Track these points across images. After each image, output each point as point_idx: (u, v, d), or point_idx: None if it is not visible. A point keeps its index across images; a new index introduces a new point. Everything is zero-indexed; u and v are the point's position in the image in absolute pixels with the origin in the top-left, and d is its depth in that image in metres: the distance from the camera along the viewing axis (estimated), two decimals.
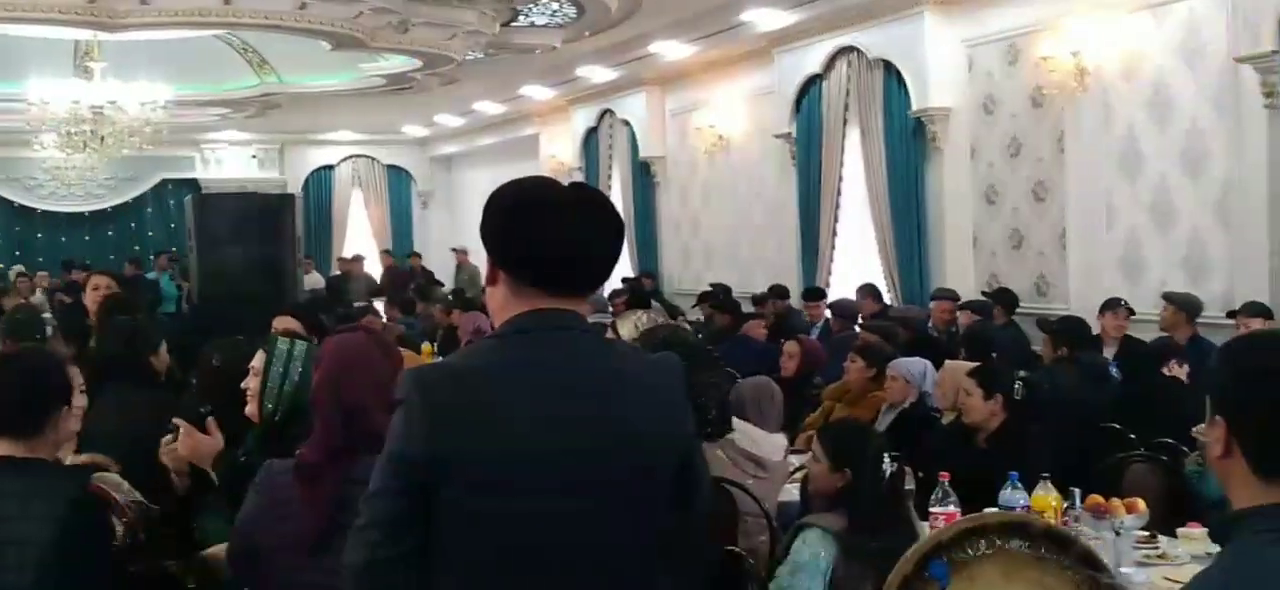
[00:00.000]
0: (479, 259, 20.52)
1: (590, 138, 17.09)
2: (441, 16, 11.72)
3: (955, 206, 10.74)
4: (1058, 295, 9.70)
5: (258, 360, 3.41)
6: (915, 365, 6.84)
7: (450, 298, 13.87)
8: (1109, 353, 7.81)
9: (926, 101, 10.66)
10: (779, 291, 11.80)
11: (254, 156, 22.54)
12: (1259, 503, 1.83)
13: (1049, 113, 9.71)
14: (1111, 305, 8.23)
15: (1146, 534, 4.41)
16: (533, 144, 19.18)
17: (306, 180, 22.75)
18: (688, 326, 12.02)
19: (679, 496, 2.31)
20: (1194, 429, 5.61)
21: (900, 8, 10.73)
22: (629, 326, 7.67)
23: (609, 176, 16.40)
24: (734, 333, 10.15)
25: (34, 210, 21.22)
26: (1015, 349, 7.97)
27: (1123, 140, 9.05)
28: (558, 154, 18.02)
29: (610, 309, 11.26)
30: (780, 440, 5.30)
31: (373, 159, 23.36)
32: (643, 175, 15.86)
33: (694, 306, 12.67)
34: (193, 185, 20.92)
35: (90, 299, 7.23)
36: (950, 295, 9.93)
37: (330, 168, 23.08)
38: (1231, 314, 7.54)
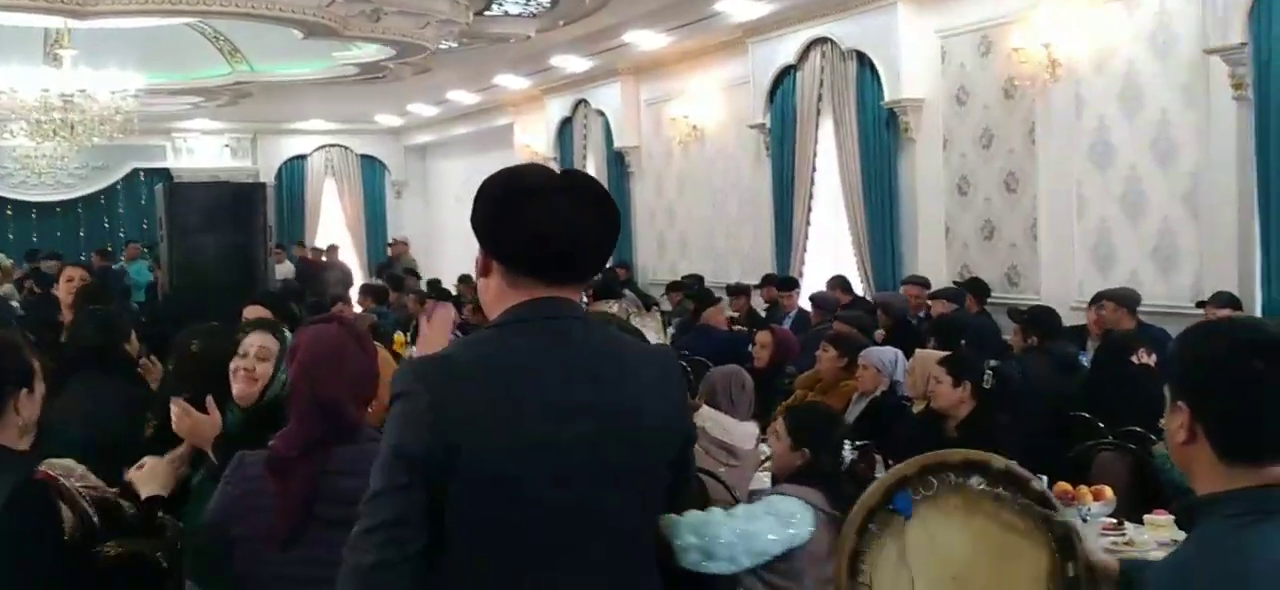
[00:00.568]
0: (420, 251, 20.56)
1: (565, 128, 17.08)
2: (414, 5, 11.67)
3: (927, 197, 10.79)
4: (1029, 285, 9.76)
5: (271, 349, 3.36)
6: (886, 354, 6.89)
7: (425, 288, 13.83)
8: (1092, 347, 7.83)
9: (899, 92, 10.70)
10: (766, 281, 11.80)
11: (226, 146, 22.43)
12: (1227, 487, 1.85)
13: (1021, 104, 9.75)
14: (1095, 301, 8.26)
15: (1114, 521, 4.46)
16: (507, 134, 19.14)
17: (279, 170, 22.64)
18: (660, 317, 12.05)
19: (673, 486, 2.32)
20: (1162, 420, 5.66)
21: None
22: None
23: (583, 167, 16.36)
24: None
25: (4, 199, 21.02)
26: (987, 338, 7.99)
27: (1093, 131, 9.10)
28: (532, 144, 17.99)
29: (585, 299, 11.26)
30: (751, 428, 5.31)
31: (346, 148, 23.25)
32: (617, 165, 15.86)
33: (663, 294, 12.69)
34: (164, 175, 20.79)
35: (63, 290, 7.18)
36: (921, 282, 10.02)
37: (303, 157, 22.97)
38: (1201, 304, 7.59)
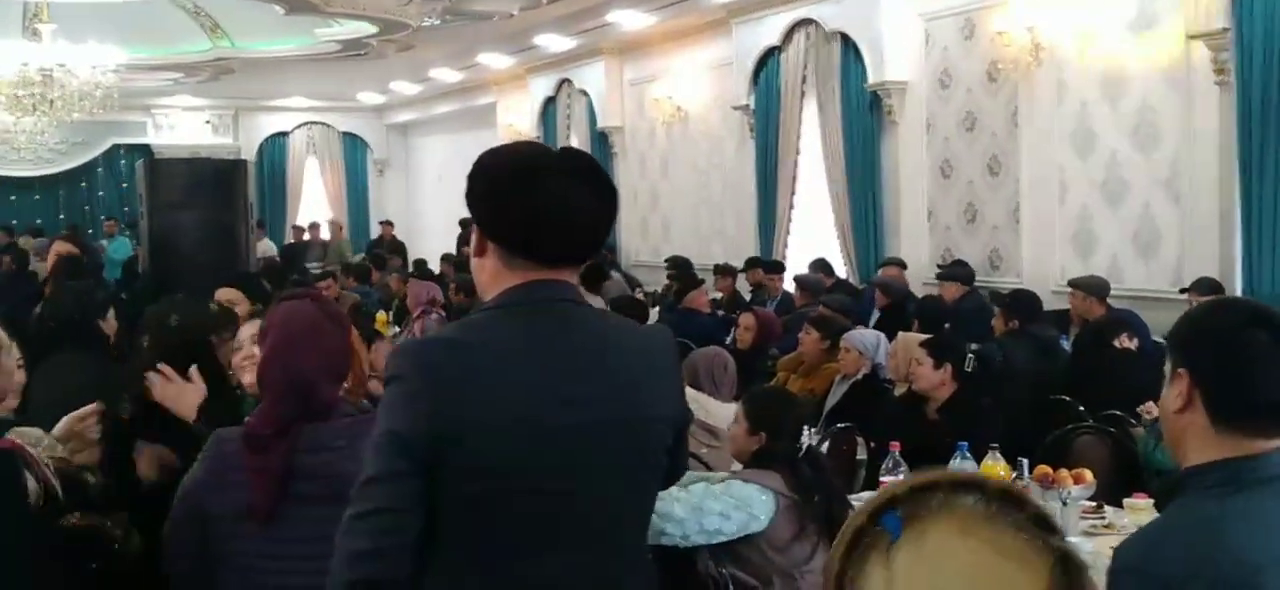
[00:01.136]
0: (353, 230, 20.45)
1: (548, 107, 17.03)
2: None
3: (911, 180, 10.80)
4: (1011, 269, 9.78)
5: (255, 331, 3.33)
6: (868, 337, 6.90)
7: (410, 269, 13.80)
8: (1073, 331, 7.86)
9: (883, 75, 10.70)
10: (750, 264, 11.80)
11: (207, 122, 22.31)
12: (1214, 457, 1.89)
13: (1004, 88, 9.77)
14: (1070, 287, 8.29)
15: (1093, 504, 4.47)
16: (490, 113, 19.08)
17: (261, 147, 22.55)
18: (643, 298, 12.06)
19: (667, 471, 2.32)
20: (1140, 407, 5.69)
21: None
22: None
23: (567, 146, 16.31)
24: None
25: None
26: (976, 320, 8.01)
27: (1075, 116, 9.11)
28: (515, 123, 17.94)
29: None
30: (733, 409, 5.32)
31: (328, 126, 23.18)
32: (601, 146, 15.82)
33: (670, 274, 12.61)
34: (145, 151, 20.66)
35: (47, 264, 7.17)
36: (898, 263, 10.13)
37: (285, 134, 22.88)
38: (1184, 291, 7.61)
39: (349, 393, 3.10)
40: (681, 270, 11.99)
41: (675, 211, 14.78)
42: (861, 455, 5.68)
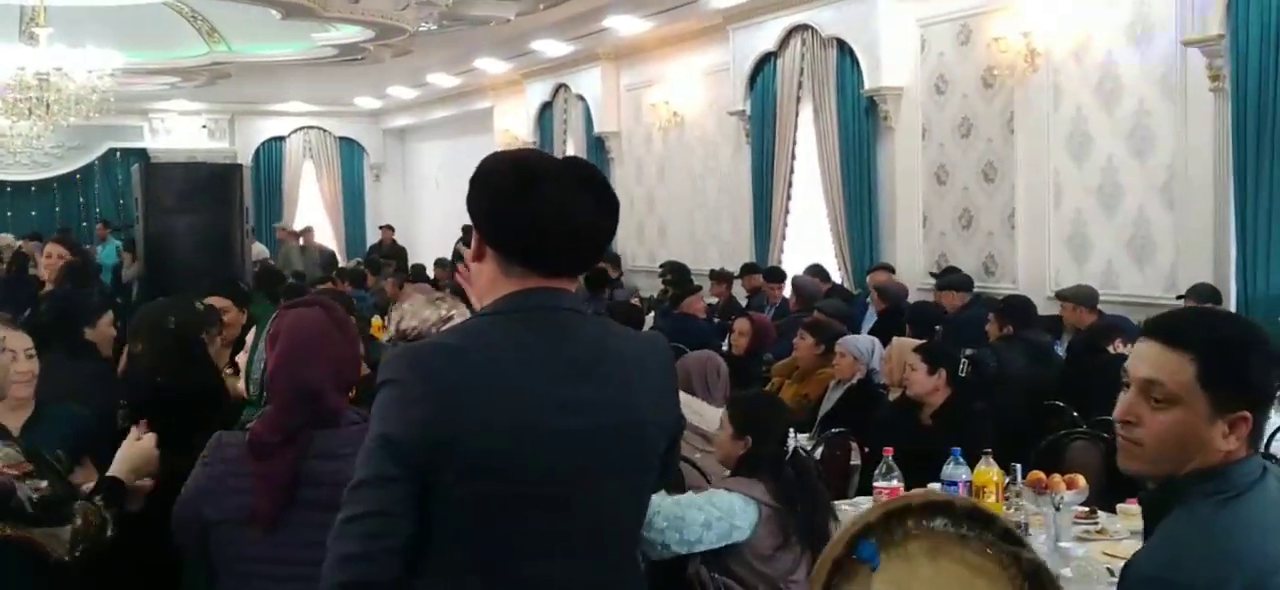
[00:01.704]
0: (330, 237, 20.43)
1: (545, 112, 17.04)
2: None
3: (906, 185, 10.81)
4: (1006, 275, 9.79)
5: (253, 338, 3.33)
6: (863, 342, 6.90)
7: (399, 274, 13.79)
8: (1067, 337, 7.87)
9: (879, 80, 10.71)
10: (745, 270, 11.81)
11: (204, 126, 22.31)
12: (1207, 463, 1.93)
13: (999, 93, 9.78)
14: (1057, 297, 8.32)
15: (1086, 509, 4.47)
16: (487, 118, 19.09)
17: (257, 151, 22.54)
18: (639, 303, 12.06)
19: (664, 471, 2.32)
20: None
21: None
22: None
23: (563, 152, 16.33)
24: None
25: None
26: (970, 325, 8.02)
27: (1071, 121, 9.13)
28: (512, 128, 17.94)
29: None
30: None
31: (325, 131, 23.17)
32: (597, 151, 15.82)
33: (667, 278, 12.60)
34: (141, 155, 20.65)
35: (46, 267, 7.17)
36: (887, 268, 10.22)
37: (281, 139, 22.88)
38: (1180, 298, 7.61)
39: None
40: (677, 275, 11.99)
41: (671, 217, 14.79)
42: (856, 461, 5.68)
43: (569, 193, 2.12)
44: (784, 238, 12.26)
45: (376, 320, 10.02)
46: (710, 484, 4.85)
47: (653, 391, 2.22)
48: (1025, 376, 6.92)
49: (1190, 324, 2.03)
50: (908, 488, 4.56)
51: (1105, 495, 4.68)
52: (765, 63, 12.21)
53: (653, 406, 2.22)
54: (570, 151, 16.03)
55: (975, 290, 9.10)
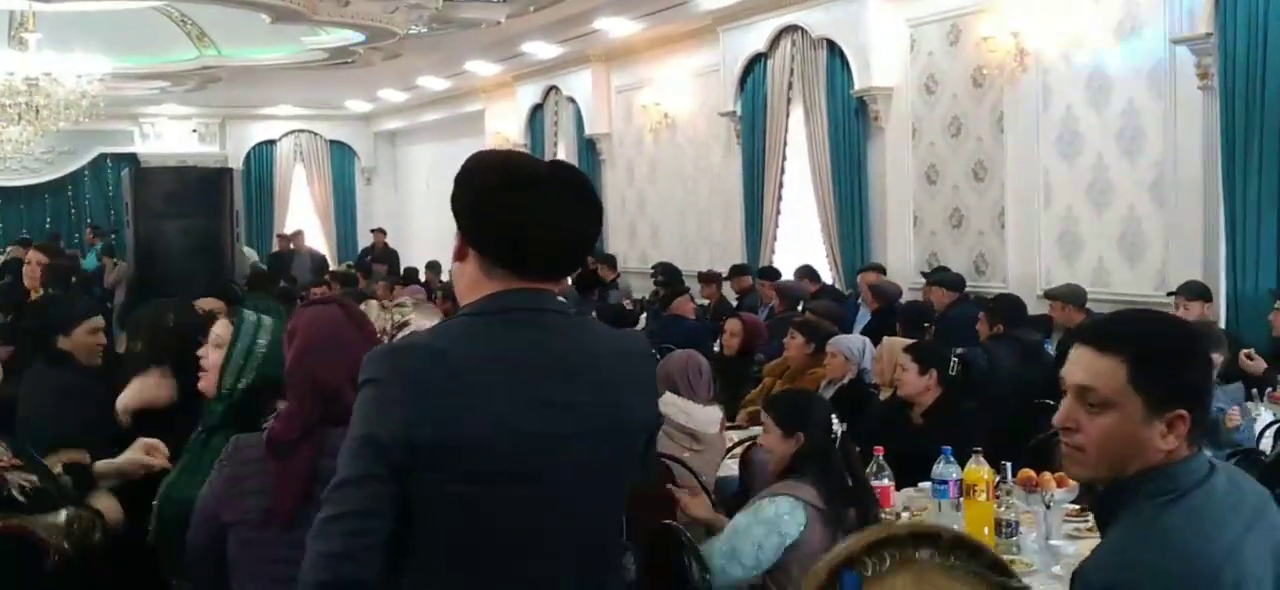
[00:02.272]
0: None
1: (536, 114, 17.03)
2: None
3: (896, 185, 10.83)
4: (996, 273, 9.81)
5: (222, 333, 3.32)
6: (854, 342, 6.91)
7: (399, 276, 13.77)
8: (1057, 336, 7.88)
9: (869, 81, 10.73)
10: (734, 272, 11.82)
11: (194, 131, 22.25)
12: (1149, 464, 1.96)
13: (989, 93, 9.79)
14: (1046, 297, 8.33)
15: (1077, 507, 4.48)
16: (478, 120, 19.08)
17: (248, 155, 22.50)
18: (630, 306, 12.06)
19: (642, 469, 2.33)
20: None
21: None
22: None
23: (555, 154, 16.33)
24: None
25: None
26: (961, 324, 8.03)
27: (1061, 120, 9.14)
28: (503, 130, 17.94)
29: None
30: (715, 412, 5.32)
31: (315, 134, 23.12)
32: (588, 153, 15.83)
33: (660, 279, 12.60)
34: (132, 160, 20.57)
35: (27, 275, 7.14)
36: (878, 268, 10.22)
37: (272, 143, 22.83)
38: (1172, 294, 7.63)
39: None
40: (668, 276, 12.00)
41: (662, 218, 14.79)
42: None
43: (552, 196, 2.13)
44: (775, 238, 12.27)
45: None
46: (701, 482, 4.87)
47: (632, 391, 2.24)
48: (1016, 375, 6.93)
49: (1120, 328, 2.06)
50: (898, 487, 4.58)
51: (1085, 496, 4.68)
52: (755, 64, 12.22)
53: (632, 406, 2.23)
54: (561, 153, 16.05)
55: (965, 289, 9.12)
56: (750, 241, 12.54)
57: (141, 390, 3.55)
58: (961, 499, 4.22)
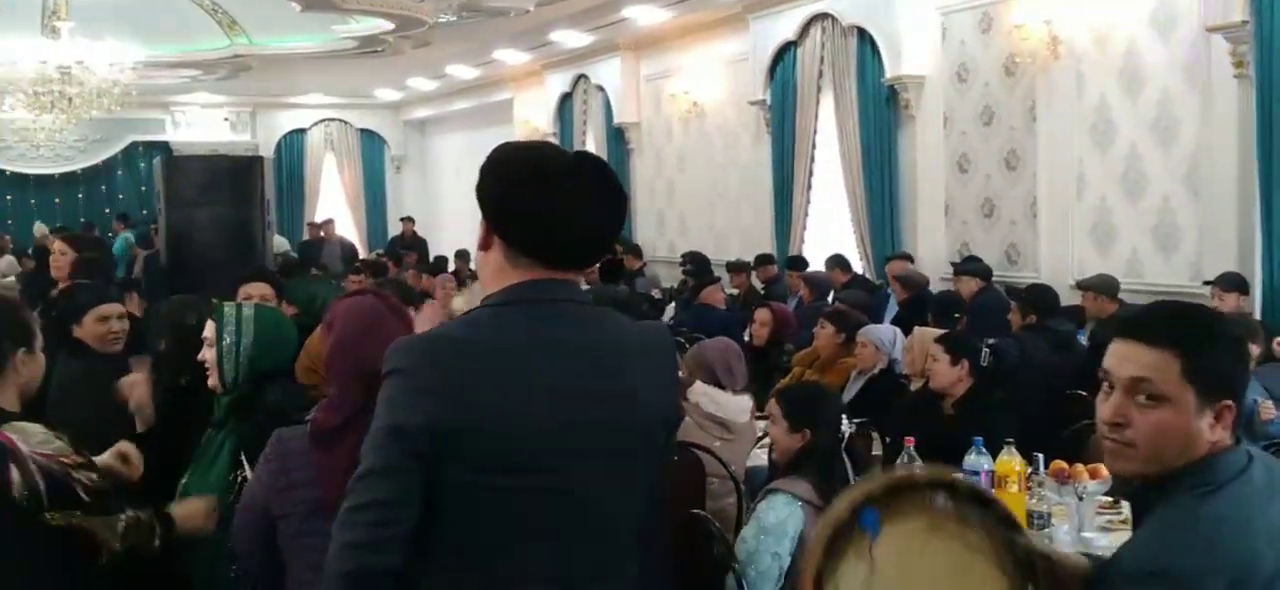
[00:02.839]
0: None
1: (565, 103, 17.02)
2: None
3: (927, 174, 10.76)
4: (1028, 264, 9.74)
5: (209, 332, 3.32)
6: (885, 332, 6.88)
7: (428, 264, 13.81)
8: (1089, 326, 7.84)
9: (900, 69, 10.66)
10: (760, 260, 11.78)
11: (226, 119, 22.38)
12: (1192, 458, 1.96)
13: (1021, 81, 9.72)
14: (1078, 287, 8.26)
15: (1109, 499, 4.44)
16: (507, 109, 19.09)
17: (278, 144, 22.61)
18: (659, 295, 12.05)
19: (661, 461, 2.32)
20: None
21: None
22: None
23: (583, 142, 16.33)
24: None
25: (2, 172, 21.00)
26: (992, 314, 7.98)
27: (1094, 109, 9.06)
28: (532, 119, 17.94)
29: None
30: (745, 402, 5.30)
31: (345, 123, 23.22)
32: (617, 141, 15.81)
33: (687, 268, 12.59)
34: (163, 148, 20.74)
35: (54, 265, 7.16)
36: (906, 257, 10.19)
37: (302, 131, 22.93)
38: (1208, 284, 7.55)
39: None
40: (696, 266, 11.97)
41: (691, 207, 14.76)
42: (876, 451, 5.65)
43: (577, 186, 2.14)
44: (805, 228, 12.22)
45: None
46: (730, 471, 4.86)
47: (655, 383, 2.24)
48: (1048, 366, 6.89)
49: (1167, 320, 2.04)
50: None
51: (1124, 487, 4.64)
52: (785, 52, 12.17)
53: (655, 398, 2.24)
54: (590, 142, 16.04)
55: (994, 279, 9.07)
56: (779, 231, 12.50)
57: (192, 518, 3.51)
58: (993, 490, 4.18)
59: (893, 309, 9.25)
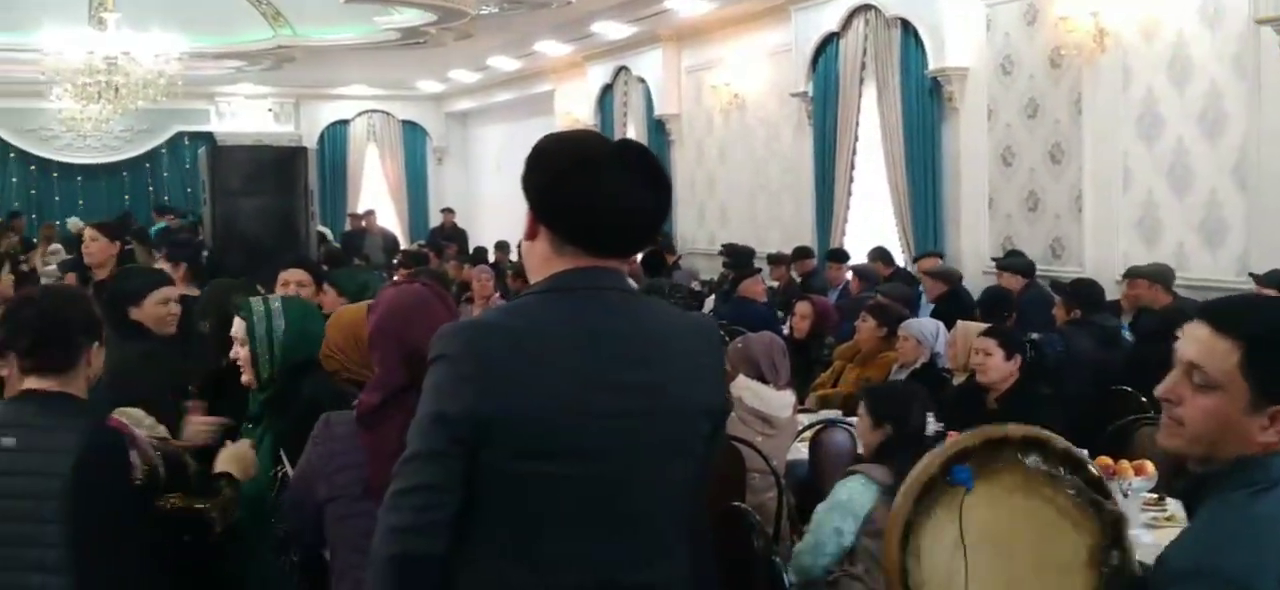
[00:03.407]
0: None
1: (605, 95, 17.03)
2: None
3: (971, 167, 10.68)
4: (1072, 258, 9.65)
5: (238, 329, 3.35)
6: (928, 326, 6.84)
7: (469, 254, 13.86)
8: (1125, 321, 7.76)
9: (944, 61, 10.58)
10: (798, 254, 11.74)
11: (269, 110, 22.53)
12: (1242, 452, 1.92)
13: (1067, 74, 9.62)
14: (1131, 275, 8.17)
15: (1155, 496, 4.40)
16: (548, 101, 19.12)
17: (322, 134, 22.74)
18: (698, 287, 12.03)
19: (706, 457, 2.32)
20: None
21: None
22: None
23: (624, 134, 16.32)
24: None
25: (49, 162, 21.25)
26: (1037, 309, 7.91)
27: (1141, 103, 8.96)
28: (573, 111, 17.96)
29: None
30: (788, 397, 5.30)
31: (388, 114, 23.32)
32: (658, 133, 15.79)
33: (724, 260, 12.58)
34: (208, 138, 20.90)
35: (86, 253, 7.23)
36: (936, 254, 10.18)
37: (345, 122, 23.06)
38: (1254, 277, 7.45)
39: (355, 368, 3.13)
40: (737, 258, 11.94)
41: (732, 199, 14.72)
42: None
43: (623, 176, 2.15)
44: (846, 220, 12.16)
45: None
46: (771, 466, 4.85)
47: (699, 374, 2.24)
48: (1093, 361, 6.82)
49: (1243, 312, 2.01)
50: None
51: (1174, 482, 4.60)
52: (828, 43, 12.11)
53: (699, 389, 2.23)
54: (631, 134, 16.02)
55: (1038, 273, 8.98)
56: (820, 223, 12.45)
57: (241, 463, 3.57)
58: None
59: (926, 309, 9.15)
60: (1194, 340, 1.98)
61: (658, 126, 15.80)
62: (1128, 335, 7.40)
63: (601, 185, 2.13)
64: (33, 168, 21.28)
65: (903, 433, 4.19)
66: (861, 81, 11.66)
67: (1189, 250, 8.59)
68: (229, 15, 15.19)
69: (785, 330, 8.12)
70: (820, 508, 4.14)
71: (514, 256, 13.71)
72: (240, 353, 3.33)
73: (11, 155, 21.11)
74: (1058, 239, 9.87)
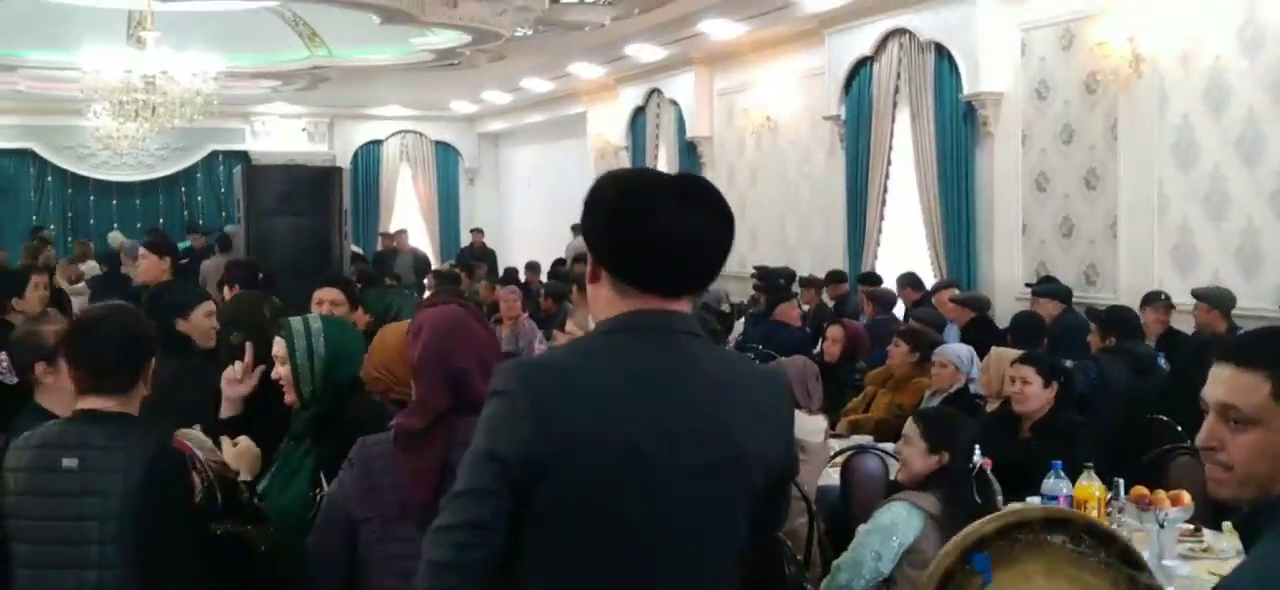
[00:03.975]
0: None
1: (638, 117, 17.05)
2: None
3: (1005, 193, 10.63)
4: (1107, 284, 9.58)
5: (279, 349, 3.35)
6: (963, 351, 6.80)
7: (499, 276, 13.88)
8: (1151, 344, 7.68)
9: (978, 85, 10.55)
10: (831, 277, 11.68)
11: (304, 129, 22.68)
12: None
13: (1102, 99, 9.57)
14: (1152, 299, 8.09)
15: (1191, 527, 4.36)
16: (580, 122, 19.17)
17: (355, 154, 22.88)
18: (728, 309, 12.00)
19: (763, 515, 2.26)
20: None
21: None
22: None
23: (656, 156, 16.35)
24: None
25: (86, 179, 21.46)
26: (1071, 336, 7.84)
27: (1177, 129, 8.90)
28: (605, 133, 18.00)
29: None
30: (821, 422, 5.28)
31: (421, 135, 23.45)
32: (689, 156, 15.80)
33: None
34: (242, 157, 21.05)
35: (136, 272, 7.30)
36: (952, 285, 9.97)
37: (378, 143, 23.20)
38: None
39: (393, 387, 3.12)
40: (770, 281, 11.91)
41: (763, 222, 14.70)
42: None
43: (683, 212, 2.11)
44: (878, 244, 12.12)
45: None
46: (803, 492, 4.83)
47: (762, 427, 2.18)
48: (1128, 389, 6.76)
49: (1261, 343, 1.98)
50: (1006, 501, 4.48)
51: (1210, 512, 4.55)
52: (861, 67, 12.09)
53: (759, 443, 2.17)
54: (662, 156, 16.06)
55: (1073, 301, 8.89)
56: (852, 247, 12.41)
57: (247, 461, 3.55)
58: None
59: (953, 336, 9.07)
60: (1220, 382, 1.95)
61: (689, 149, 15.81)
62: (1163, 363, 7.33)
63: (660, 223, 2.09)
64: (70, 189, 21.51)
65: (956, 462, 4.17)
66: (895, 105, 11.63)
67: (1225, 277, 8.50)
68: (266, 35, 15.32)
69: (816, 353, 8.09)
70: (862, 528, 4.13)
71: (545, 277, 13.73)
72: (281, 372, 3.33)
73: (49, 177, 21.33)
74: (1092, 265, 9.80)
